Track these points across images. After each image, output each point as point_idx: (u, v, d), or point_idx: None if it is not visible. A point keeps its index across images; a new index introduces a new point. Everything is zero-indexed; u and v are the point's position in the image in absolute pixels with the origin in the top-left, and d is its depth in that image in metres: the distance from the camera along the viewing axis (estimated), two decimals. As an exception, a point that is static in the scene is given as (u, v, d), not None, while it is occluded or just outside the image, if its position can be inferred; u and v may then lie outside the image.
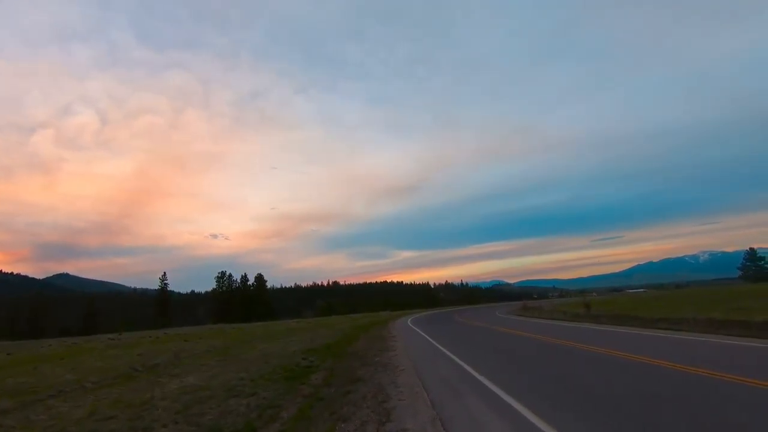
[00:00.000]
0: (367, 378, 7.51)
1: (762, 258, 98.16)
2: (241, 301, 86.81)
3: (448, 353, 10.51)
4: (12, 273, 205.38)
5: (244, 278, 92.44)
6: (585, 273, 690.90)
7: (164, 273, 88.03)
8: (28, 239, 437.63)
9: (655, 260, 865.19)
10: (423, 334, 18.33)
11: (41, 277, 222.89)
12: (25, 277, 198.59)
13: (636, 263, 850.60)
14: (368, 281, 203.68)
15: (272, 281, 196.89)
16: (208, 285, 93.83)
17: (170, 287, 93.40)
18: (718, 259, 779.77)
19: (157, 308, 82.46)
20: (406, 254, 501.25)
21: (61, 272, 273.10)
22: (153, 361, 14.54)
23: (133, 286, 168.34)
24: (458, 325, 22.87)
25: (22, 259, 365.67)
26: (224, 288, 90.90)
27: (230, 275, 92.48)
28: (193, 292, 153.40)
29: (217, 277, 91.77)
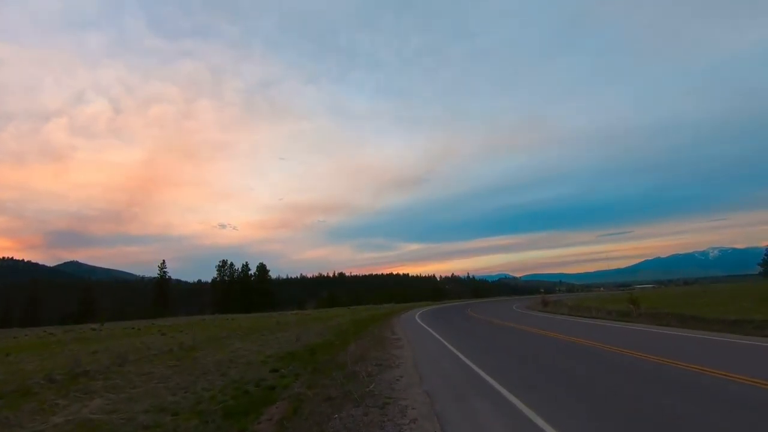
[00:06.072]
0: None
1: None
2: (242, 291, 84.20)
3: (483, 375, 6.69)
4: (23, 260, 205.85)
5: (245, 267, 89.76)
6: (591, 268, 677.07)
7: (163, 261, 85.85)
8: (39, 226, 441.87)
9: (663, 256, 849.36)
10: (436, 335, 14.72)
11: (52, 265, 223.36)
12: (36, 264, 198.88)
13: (643, 259, 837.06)
14: (374, 273, 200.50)
15: (278, 272, 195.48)
16: (214, 274, 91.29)
17: (178, 276, 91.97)
18: (729, 256, 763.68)
19: (156, 297, 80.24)
20: (413, 247, 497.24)
21: (71, 260, 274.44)
22: (87, 366, 11.19)
23: (141, 275, 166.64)
24: (477, 324, 19.22)
25: (33, 246, 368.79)
26: (225, 277, 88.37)
27: (231, 264, 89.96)
28: (199, 281, 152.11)
29: (218, 266, 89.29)
